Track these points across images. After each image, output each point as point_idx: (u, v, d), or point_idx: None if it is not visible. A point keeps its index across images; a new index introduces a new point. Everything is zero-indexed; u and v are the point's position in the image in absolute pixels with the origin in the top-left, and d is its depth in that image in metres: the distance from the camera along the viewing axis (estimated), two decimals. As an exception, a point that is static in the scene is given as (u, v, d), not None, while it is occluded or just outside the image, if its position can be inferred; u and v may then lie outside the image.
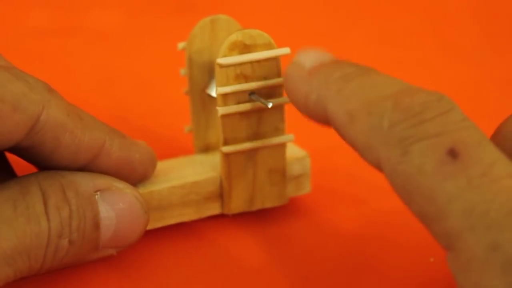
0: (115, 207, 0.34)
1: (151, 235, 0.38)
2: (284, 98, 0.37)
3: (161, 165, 0.38)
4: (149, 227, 0.36)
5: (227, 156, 0.37)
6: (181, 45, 0.38)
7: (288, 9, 0.58)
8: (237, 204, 0.38)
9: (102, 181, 0.34)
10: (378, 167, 0.30)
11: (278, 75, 0.36)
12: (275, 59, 0.36)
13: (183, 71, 0.39)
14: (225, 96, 0.36)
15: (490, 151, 0.28)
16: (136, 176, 0.36)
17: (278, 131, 0.37)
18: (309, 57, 0.33)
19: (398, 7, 0.59)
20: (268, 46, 0.36)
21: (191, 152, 0.40)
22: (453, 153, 0.28)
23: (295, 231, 0.39)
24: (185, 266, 0.37)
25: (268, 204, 0.38)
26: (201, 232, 0.38)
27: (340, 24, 0.57)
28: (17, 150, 0.33)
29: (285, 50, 0.36)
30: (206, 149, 0.40)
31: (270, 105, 0.35)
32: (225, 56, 0.35)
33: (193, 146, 0.40)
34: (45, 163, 0.34)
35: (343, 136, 0.31)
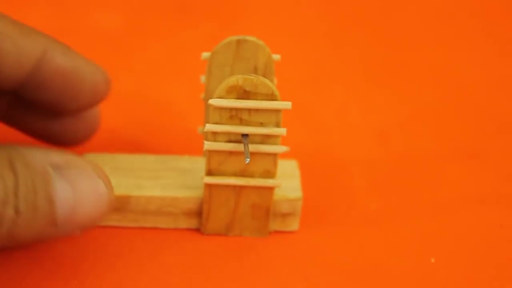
0: (73, 184, 0.33)
1: (150, 235, 0.38)
2: (278, 147, 0.35)
3: (159, 161, 0.39)
4: (121, 224, 0.37)
5: (209, 185, 0.36)
6: (204, 55, 0.37)
7: (288, 9, 0.55)
8: (214, 227, 0.38)
9: (60, 156, 0.34)
10: None
11: (277, 125, 0.35)
12: (275, 111, 0.34)
13: (203, 78, 0.38)
14: (215, 132, 0.35)
15: None
16: (86, 88, 0.36)
17: (269, 174, 0.36)
18: None
19: (398, 7, 0.56)
20: (270, 97, 0.34)
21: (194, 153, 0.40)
22: None
23: (295, 231, 0.39)
24: (185, 266, 0.37)
25: (247, 234, 0.38)
26: (201, 232, 0.39)
27: (340, 24, 0.54)
28: None
29: (286, 104, 0.34)
30: None
31: (247, 161, 0.34)
32: (220, 97, 0.34)
33: (202, 148, 0.40)
34: None
35: None
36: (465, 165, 0.44)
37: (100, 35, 0.51)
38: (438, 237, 0.39)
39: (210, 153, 0.35)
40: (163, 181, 0.38)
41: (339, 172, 0.43)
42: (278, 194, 0.37)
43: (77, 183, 0.33)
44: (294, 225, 0.38)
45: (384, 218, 0.40)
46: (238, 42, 0.36)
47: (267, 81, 0.34)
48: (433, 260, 0.38)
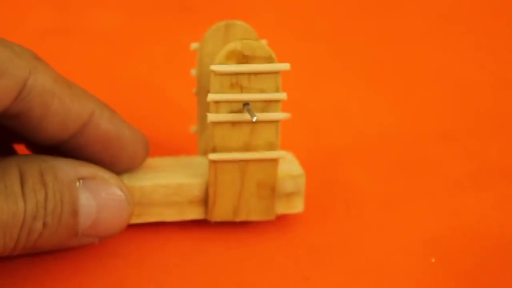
0: (97, 196, 0.34)
1: (150, 235, 0.38)
2: (279, 114, 0.36)
3: (157, 161, 0.39)
4: None
5: (214, 163, 0.36)
6: (193, 45, 0.38)
7: (288, 10, 0.57)
8: (220, 213, 0.37)
9: (86, 169, 0.35)
10: None
11: (276, 89, 0.36)
12: (274, 73, 0.35)
13: (193, 71, 0.39)
14: (217, 103, 0.35)
15: None
16: (125, 155, 0.36)
17: (272, 146, 0.36)
18: None
19: (398, 7, 0.58)
20: (268, 60, 0.35)
21: (194, 153, 0.40)
22: None
23: (296, 231, 0.39)
24: (185, 266, 0.37)
25: (254, 217, 0.38)
26: (201, 232, 0.38)
27: (340, 25, 0.56)
28: (5, 118, 0.34)
29: (285, 66, 0.35)
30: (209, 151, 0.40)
31: (255, 118, 0.35)
32: (221, 63, 0.35)
33: (197, 147, 0.40)
34: (33, 132, 0.34)
35: None
36: (467, 166, 0.44)
37: (100, 35, 0.52)
38: (438, 237, 0.39)
39: (214, 127, 0.36)
40: (165, 173, 0.38)
41: (338, 171, 0.43)
42: (281, 172, 0.38)
43: (101, 196, 0.35)
44: (299, 205, 0.38)
45: (384, 217, 0.41)
46: (226, 26, 0.37)
47: (264, 44, 0.35)
48: (433, 260, 0.38)
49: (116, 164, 0.36)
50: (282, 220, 0.39)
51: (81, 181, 0.34)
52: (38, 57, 0.33)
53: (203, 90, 0.38)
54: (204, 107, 0.39)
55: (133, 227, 0.38)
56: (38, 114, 0.33)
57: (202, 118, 0.39)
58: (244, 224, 0.39)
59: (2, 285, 0.35)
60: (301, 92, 0.49)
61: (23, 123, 0.34)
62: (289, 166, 0.38)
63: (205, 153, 0.39)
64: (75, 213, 0.34)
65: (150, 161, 0.39)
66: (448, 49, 0.54)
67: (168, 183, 0.37)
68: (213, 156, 0.36)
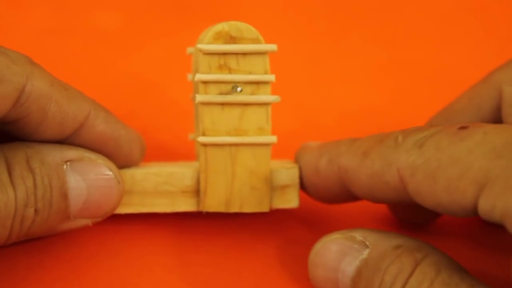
0: (86, 177, 0.34)
1: (150, 235, 0.38)
2: (268, 96, 0.36)
3: (152, 164, 0.39)
4: (119, 211, 0.36)
5: (205, 147, 0.36)
6: (189, 49, 0.39)
7: (289, 10, 0.57)
8: (213, 202, 0.37)
9: (72, 152, 0.35)
10: (399, 179, 0.32)
11: (265, 71, 0.36)
12: (262, 54, 0.36)
13: (190, 76, 0.39)
14: (206, 84, 0.36)
15: None
16: (121, 155, 0.36)
17: (263, 131, 0.36)
18: (314, 142, 0.38)
19: (398, 7, 0.58)
20: (255, 41, 0.36)
21: (191, 158, 0.40)
22: (463, 127, 0.31)
23: (297, 231, 0.39)
24: (185, 266, 0.37)
25: (247, 209, 0.37)
26: (201, 232, 0.38)
27: (339, 25, 0.56)
28: (3, 124, 0.34)
29: (272, 46, 0.36)
30: None
31: (239, 89, 0.35)
32: (209, 44, 0.36)
33: (194, 152, 0.40)
34: (31, 136, 0.35)
35: (356, 176, 0.34)
36: None
37: (100, 35, 0.52)
38: (438, 237, 0.39)
39: (203, 110, 0.36)
40: (158, 166, 0.38)
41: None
42: (275, 165, 0.37)
43: (89, 176, 0.35)
44: (293, 200, 0.37)
45: (384, 218, 0.40)
46: (222, 28, 0.39)
47: (251, 26, 0.36)
48: None
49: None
50: (283, 219, 0.39)
51: (68, 163, 0.34)
52: (34, 62, 0.34)
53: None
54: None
55: (133, 228, 0.38)
56: (36, 118, 0.34)
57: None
58: (244, 224, 0.38)
59: (2, 285, 0.35)
60: (300, 93, 0.49)
61: (21, 127, 0.34)
62: (282, 162, 0.38)
63: (202, 158, 0.40)
64: (65, 196, 0.34)
65: (146, 164, 0.39)
66: (448, 49, 0.54)
67: (159, 171, 0.37)
68: (203, 139, 0.36)
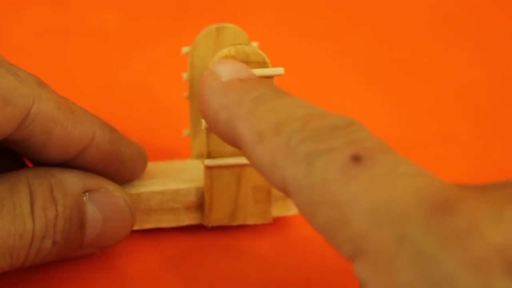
0: (102, 208, 0.35)
1: (150, 235, 0.38)
2: None
3: (152, 166, 0.38)
4: None
5: (210, 169, 0.36)
6: (185, 49, 0.38)
7: (289, 11, 0.56)
8: (217, 217, 0.37)
9: (92, 181, 0.35)
10: (283, 187, 0.28)
11: None
12: (268, 77, 0.35)
13: (185, 75, 0.38)
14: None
15: (395, 155, 0.27)
16: (125, 172, 0.36)
17: None
18: (227, 69, 0.32)
19: (398, 7, 0.58)
20: (262, 65, 0.35)
21: (188, 156, 0.40)
22: (356, 159, 0.26)
23: (297, 231, 0.39)
24: (185, 265, 0.37)
25: (250, 221, 0.38)
26: (201, 232, 0.38)
27: (340, 24, 0.56)
28: (7, 143, 0.34)
29: (279, 70, 0.35)
30: (203, 155, 0.39)
31: None
32: None
33: (190, 150, 0.40)
34: (35, 156, 0.34)
35: (249, 157, 0.30)
36: (467, 166, 0.45)
37: (100, 35, 0.51)
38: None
39: (208, 132, 0.36)
40: (160, 179, 0.38)
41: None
42: None
43: (106, 208, 0.35)
44: (294, 208, 0.38)
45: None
46: (218, 30, 0.37)
47: (257, 49, 0.35)
48: None
49: (116, 179, 0.36)
50: (283, 219, 0.39)
51: (87, 193, 0.34)
52: (43, 83, 0.33)
53: (196, 93, 0.38)
54: (197, 110, 0.38)
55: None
56: (40, 140, 0.33)
57: (195, 122, 0.39)
58: (243, 226, 0.39)
59: (1, 285, 0.35)
60: (300, 93, 0.49)
61: (25, 147, 0.34)
62: None
63: (198, 156, 0.39)
64: (82, 227, 0.34)
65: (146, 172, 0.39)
66: (448, 49, 0.54)
67: (164, 190, 0.37)
68: (208, 162, 0.36)
